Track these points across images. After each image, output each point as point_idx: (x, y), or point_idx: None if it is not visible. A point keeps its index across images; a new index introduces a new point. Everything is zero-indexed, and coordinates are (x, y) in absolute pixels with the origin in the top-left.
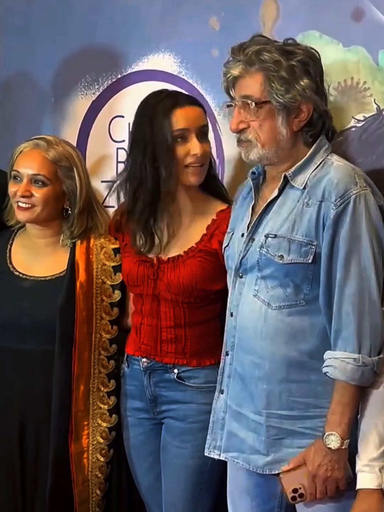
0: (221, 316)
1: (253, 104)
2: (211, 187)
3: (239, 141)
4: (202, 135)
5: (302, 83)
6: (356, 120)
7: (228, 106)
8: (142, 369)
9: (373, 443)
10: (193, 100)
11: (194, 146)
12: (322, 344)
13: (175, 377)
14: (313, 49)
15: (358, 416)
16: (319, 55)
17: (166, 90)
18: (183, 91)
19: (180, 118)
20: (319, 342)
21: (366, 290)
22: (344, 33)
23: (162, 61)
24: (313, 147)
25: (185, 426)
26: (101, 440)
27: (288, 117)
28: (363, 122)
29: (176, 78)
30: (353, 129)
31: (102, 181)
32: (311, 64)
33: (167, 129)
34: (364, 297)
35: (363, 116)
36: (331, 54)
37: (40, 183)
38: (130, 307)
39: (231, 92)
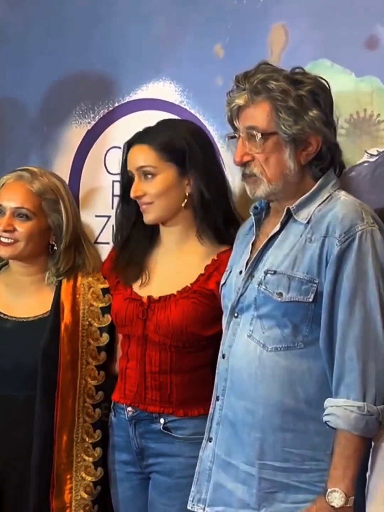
0: (212, 364)
1: (259, 136)
2: (211, 226)
3: (244, 176)
4: (144, 175)
5: (311, 114)
6: (369, 155)
7: (231, 137)
8: (127, 418)
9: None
10: (142, 137)
11: (132, 187)
12: (321, 390)
13: (161, 427)
14: (322, 78)
15: (367, 473)
16: (328, 85)
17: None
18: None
19: (129, 158)
20: (318, 388)
21: (372, 333)
22: (357, 62)
23: (162, 89)
24: (319, 181)
25: (172, 482)
26: (85, 496)
27: (296, 150)
28: (377, 157)
29: (176, 108)
30: (366, 164)
31: (96, 216)
32: (320, 94)
33: (124, 169)
34: (369, 340)
35: (377, 151)
36: (343, 84)
37: (23, 217)
38: (118, 352)
39: (235, 122)
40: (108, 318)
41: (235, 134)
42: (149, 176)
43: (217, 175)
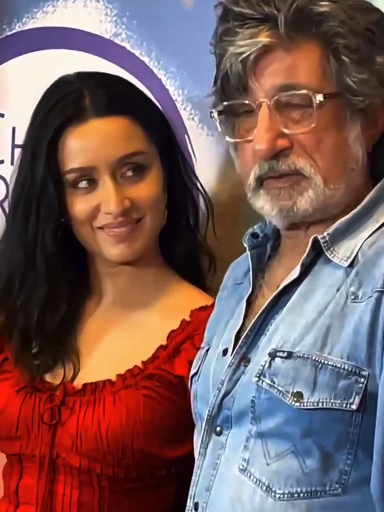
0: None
1: (319, 98)
2: (186, 263)
3: (262, 178)
4: (133, 171)
5: (380, 61)
6: None
7: (223, 112)
8: None
9: None
10: (112, 104)
11: (107, 193)
12: None
13: None
14: None
15: None
16: None
17: (78, 75)
18: (107, 75)
19: (89, 143)
20: None
21: None
22: None
23: (83, 12)
24: (372, 192)
25: None
26: None
27: (366, 127)
28: None
29: (109, 46)
30: None
31: None
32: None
33: (50, 168)
34: None
35: None
36: None
37: None
38: None
39: (249, 82)
40: None
41: (246, 103)
42: (139, 171)
43: (188, 174)
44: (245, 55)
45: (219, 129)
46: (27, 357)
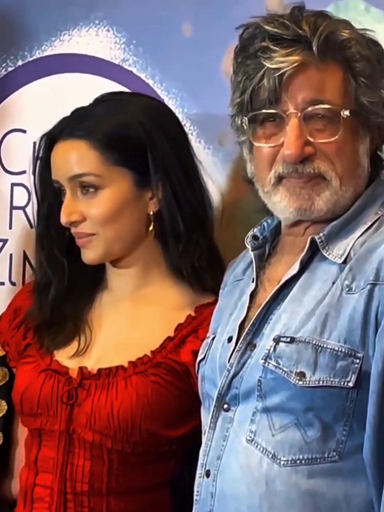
0: (175, 482)
1: (346, 114)
2: (189, 264)
3: (281, 177)
4: (82, 189)
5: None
6: None
7: (253, 120)
8: None
9: None
10: (75, 127)
11: (62, 207)
12: None
13: None
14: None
15: None
16: None
17: (95, 99)
18: (104, 101)
19: (54, 161)
20: None
21: None
22: None
23: (95, 40)
24: (364, 195)
25: None
26: None
27: (370, 139)
28: None
29: (117, 70)
30: None
31: None
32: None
33: (42, 176)
34: None
35: None
36: None
37: None
38: (17, 459)
39: (275, 93)
40: (2, 406)
41: (277, 113)
42: (91, 190)
43: (195, 181)
44: (283, 70)
45: (243, 133)
46: (45, 331)
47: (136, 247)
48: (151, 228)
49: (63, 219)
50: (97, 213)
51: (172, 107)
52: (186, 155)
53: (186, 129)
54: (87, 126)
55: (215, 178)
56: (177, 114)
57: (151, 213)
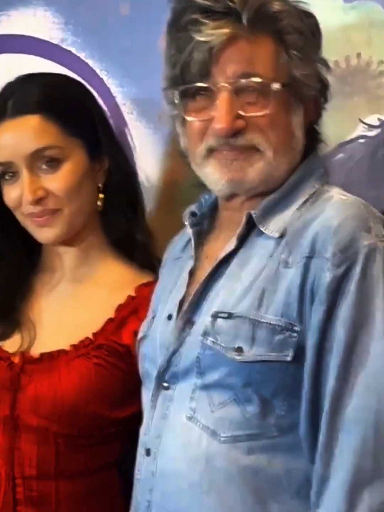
0: (123, 462)
1: (276, 87)
2: (124, 244)
3: (211, 150)
4: (46, 163)
5: (318, 58)
6: (366, 126)
7: (185, 94)
8: None
9: None
10: (22, 104)
11: (24, 185)
12: (304, 506)
13: None
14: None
15: None
16: None
17: (19, 78)
18: (43, 76)
19: (3, 142)
20: (301, 503)
21: (375, 411)
22: None
23: (33, 20)
24: (300, 168)
25: None
26: None
27: (304, 113)
28: (379, 129)
29: (56, 51)
30: (361, 140)
31: None
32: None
33: None
34: (370, 423)
35: (379, 119)
36: (325, 14)
37: None
38: None
39: (206, 67)
40: None
41: (207, 87)
42: (53, 164)
43: (125, 155)
44: (212, 43)
45: (175, 107)
46: None
47: (83, 225)
48: (99, 202)
49: (29, 197)
50: (62, 186)
51: (112, 87)
52: (112, 128)
53: (126, 109)
54: (35, 101)
55: (156, 158)
56: (116, 94)
57: (100, 185)
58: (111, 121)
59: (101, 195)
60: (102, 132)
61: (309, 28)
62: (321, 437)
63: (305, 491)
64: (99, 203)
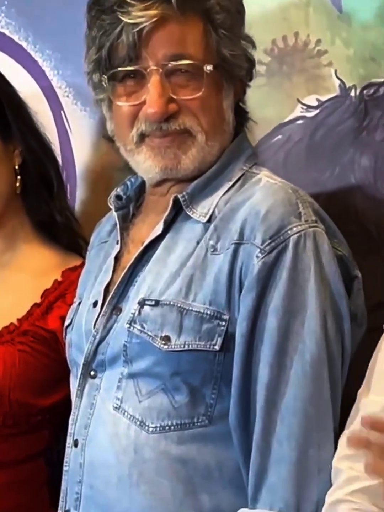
0: (50, 453)
1: (207, 68)
2: (47, 227)
3: (158, 135)
4: None
5: (243, 37)
6: (304, 107)
7: (113, 78)
8: None
9: None
10: None
11: None
12: (239, 496)
13: None
14: None
15: None
16: None
17: None
18: None
19: None
20: (234, 494)
21: (313, 401)
22: None
23: None
24: (228, 150)
25: None
26: None
27: (234, 93)
28: (317, 110)
29: None
30: (299, 121)
31: None
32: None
33: None
34: (309, 413)
35: (317, 100)
36: None
37: None
38: None
39: (135, 50)
40: None
41: (137, 70)
42: None
43: (38, 136)
44: (141, 25)
45: (101, 91)
46: None
47: (4, 208)
48: (18, 183)
49: None
50: None
51: (47, 69)
52: (26, 107)
53: (62, 91)
54: None
55: (92, 141)
56: (52, 77)
57: (17, 166)
58: (48, 104)
59: (18, 177)
60: (11, 113)
61: (235, 6)
62: (257, 428)
63: (238, 481)
64: (18, 184)
